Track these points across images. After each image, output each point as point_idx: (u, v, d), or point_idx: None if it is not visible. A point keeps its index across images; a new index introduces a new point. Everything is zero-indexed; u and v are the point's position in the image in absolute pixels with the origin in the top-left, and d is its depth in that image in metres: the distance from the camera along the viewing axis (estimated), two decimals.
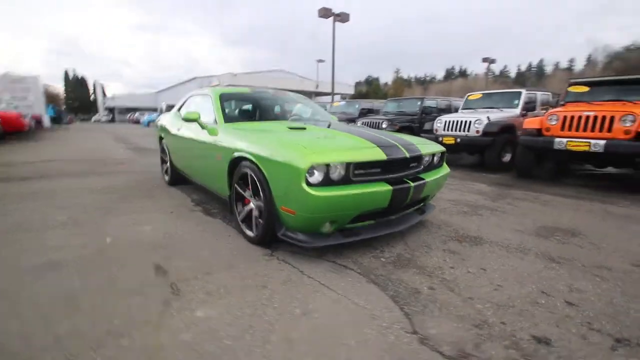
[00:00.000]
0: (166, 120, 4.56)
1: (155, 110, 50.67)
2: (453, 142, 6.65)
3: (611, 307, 1.73)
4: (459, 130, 6.87)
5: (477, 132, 6.60)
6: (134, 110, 42.59)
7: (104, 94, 59.02)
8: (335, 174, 2.10)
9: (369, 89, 50.79)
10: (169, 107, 16.24)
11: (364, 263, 2.23)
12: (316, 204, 2.00)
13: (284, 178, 2.12)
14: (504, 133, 6.53)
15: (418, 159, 2.56)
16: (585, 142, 4.68)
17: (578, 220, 3.26)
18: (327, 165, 2.05)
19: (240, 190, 2.66)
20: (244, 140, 2.54)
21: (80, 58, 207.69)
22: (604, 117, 4.69)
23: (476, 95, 8.00)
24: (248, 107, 3.80)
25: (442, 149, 2.91)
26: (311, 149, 2.10)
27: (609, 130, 4.62)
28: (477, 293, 1.87)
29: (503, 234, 2.84)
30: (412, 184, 2.37)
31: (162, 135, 4.61)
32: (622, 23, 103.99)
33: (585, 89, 5.84)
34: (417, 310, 1.70)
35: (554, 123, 5.18)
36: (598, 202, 3.98)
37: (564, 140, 4.87)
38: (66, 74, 71.13)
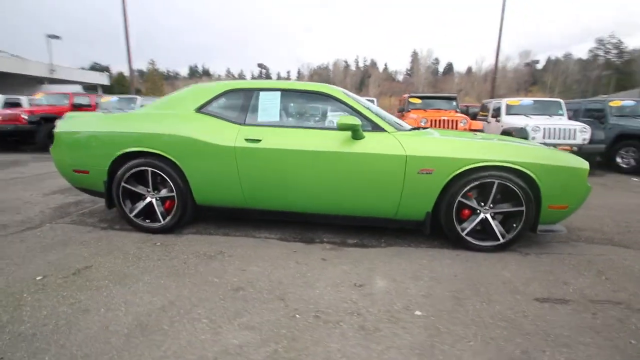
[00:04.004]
0: (179, 128, 2.66)
1: None
2: None
3: None
4: None
5: None
6: None
7: None
8: None
9: (111, 80, 41.52)
10: None
11: (580, 243, 2.94)
12: (588, 194, 2.53)
13: (562, 179, 2.43)
14: None
15: None
16: None
17: None
18: None
19: (467, 202, 2.52)
20: (491, 150, 2.44)
21: None
22: (453, 120, 7.41)
23: None
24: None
25: None
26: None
27: (456, 128, 7.38)
28: None
29: None
30: None
31: (169, 155, 2.67)
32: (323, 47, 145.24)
33: (419, 100, 8.69)
34: None
35: (424, 124, 7.48)
36: None
37: None
38: None
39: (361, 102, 2.78)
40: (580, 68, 45.66)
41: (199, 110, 2.79)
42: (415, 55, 74.79)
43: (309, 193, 2.65)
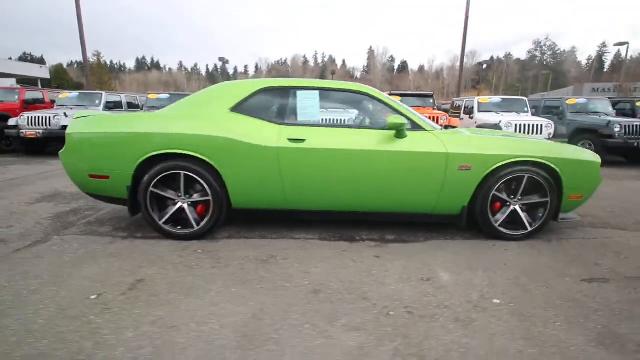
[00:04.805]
0: (217, 129, 2.54)
1: None
2: None
3: None
4: None
5: None
6: None
7: None
8: None
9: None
10: None
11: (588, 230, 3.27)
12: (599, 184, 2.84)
13: (580, 172, 2.71)
14: None
15: None
16: None
17: None
18: None
19: (500, 195, 2.71)
20: (521, 147, 2.64)
21: None
22: (434, 117, 7.79)
23: None
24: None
25: None
26: None
27: None
28: None
29: None
30: None
31: (206, 157, 2.54)
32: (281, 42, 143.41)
33: (398, 98, 8.98)
34: None
35: None
36: None
37: None
38: None
39: (398, 102, 2.85)
40: (520, 68, 50.22)
41: (234, 109, 2.67)
42: (371, 52, 76.94)
43: (354, 192, 2.67)
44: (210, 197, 2.65)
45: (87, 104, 8.39)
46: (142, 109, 9.00)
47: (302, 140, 2.58)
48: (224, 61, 23.86)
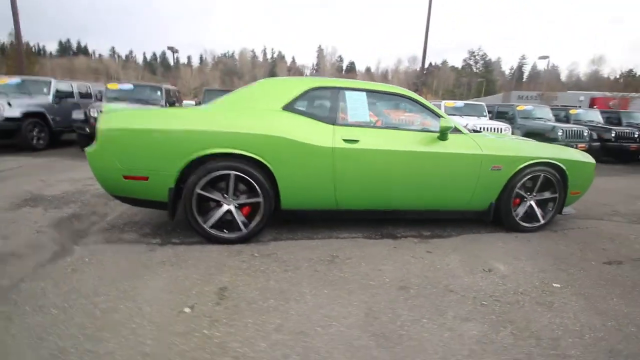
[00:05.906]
0: (273, 128, 2.46)
1: None
2: None
3: None
4: None
5: None
6: None
7: None
8: None
9: None
10: None
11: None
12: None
13: (581, 171, 3.16)
14: None
15: None
16: None
17: None
18: None
19: (522, 192, 3.05)
20: (540, 149, 3.00)
21: None
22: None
23: None
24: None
25: None
26: None
27: None
28: None
29: None
30: None
31: (261, 157, 2.44)
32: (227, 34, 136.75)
33: None
34: None
35: None
36: None
37: None
38: None
39: (435, 106, 3.04)
40: (455, 74, 55.07)
41: (286, 107, 2.61)
42: (321, 51, 77.86)
43: (401, 191, 2.80)
44: (261, 199, 2.56)
45: (32, 92, 7.26)
46: (101, 100, 8.05)
47: (356, 141, 2.63)
48: (174, 51, 22.23)
